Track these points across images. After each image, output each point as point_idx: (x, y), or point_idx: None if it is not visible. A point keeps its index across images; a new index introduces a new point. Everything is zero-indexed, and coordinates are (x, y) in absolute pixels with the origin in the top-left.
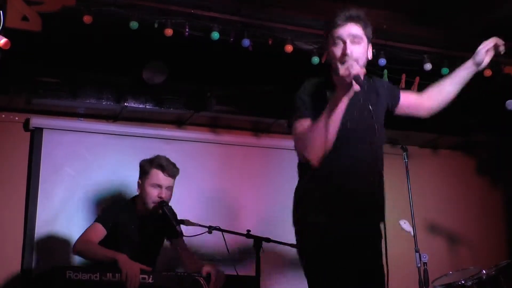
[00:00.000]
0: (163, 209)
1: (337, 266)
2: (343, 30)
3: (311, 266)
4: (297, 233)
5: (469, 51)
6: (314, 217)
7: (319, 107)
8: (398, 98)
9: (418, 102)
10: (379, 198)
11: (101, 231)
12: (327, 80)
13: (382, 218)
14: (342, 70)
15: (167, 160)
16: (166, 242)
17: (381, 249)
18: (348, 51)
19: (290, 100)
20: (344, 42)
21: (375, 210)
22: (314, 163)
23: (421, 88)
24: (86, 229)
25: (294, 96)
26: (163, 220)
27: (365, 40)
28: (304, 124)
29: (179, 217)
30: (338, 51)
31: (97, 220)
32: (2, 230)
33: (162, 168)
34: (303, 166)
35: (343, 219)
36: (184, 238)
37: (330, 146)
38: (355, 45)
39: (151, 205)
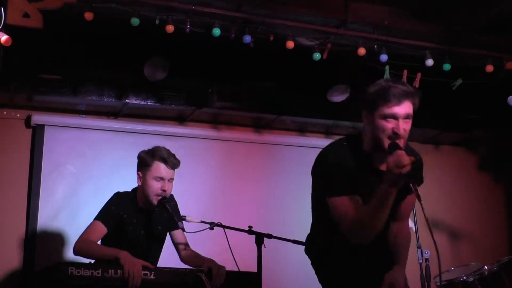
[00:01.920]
0: (165, 206)
1: None
2: (399, 108)
3: None
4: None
5: (471, 47)
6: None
7: (350, 180)
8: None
9: (397, 214)
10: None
11: (101, 229)
12: (351, 145)
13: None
14: (391, 166)
15: (168, 152)
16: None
17: None
18: (402, 131)
19: (316, 168)
20: (397, 120)
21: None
22: (356, 243)
23: (422, 84)
24: (86, 228)
25: (323, 163)
26: (165, 215)
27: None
28: (343, 203)
29: (180, 213)
30: (387, 126)
31: (97, 218)
32: (4, 227)
33: (165, 161)
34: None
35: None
36: (186, 234)
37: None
38: (405, 123)
39: (153, 198)
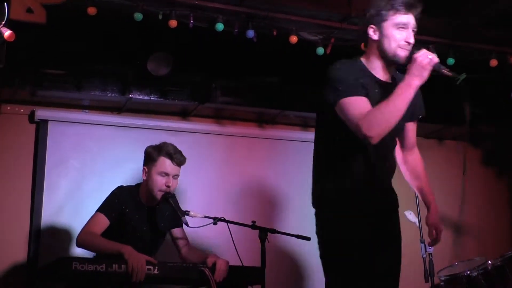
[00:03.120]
0: (168, 200)
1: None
2: (408, 18)
3: (334, 241)
4: (319, 206)
5: (475, 41)
6: (336, 183)
7: (362, 86)
8: (413, 119)
9: (410, 142)
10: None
11: (104, 222)
12: (359, 62)
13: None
14: (422, 57)
15: (175, 148)
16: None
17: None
18: (412, 40)
19: (327, 80)
20: (407, 29)
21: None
22: (374, 141)
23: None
24: (88, 220)
25: (331, 73)
26: (168, 211)
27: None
28: (362, 102)
29: (184, 208)
30: (401, 36)
31: (100, 210)
32: (9, 222)
33: (171, 157)
34: (329, 159)
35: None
36: (189, 229)
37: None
38: (413, 34)
39: (157, 193)
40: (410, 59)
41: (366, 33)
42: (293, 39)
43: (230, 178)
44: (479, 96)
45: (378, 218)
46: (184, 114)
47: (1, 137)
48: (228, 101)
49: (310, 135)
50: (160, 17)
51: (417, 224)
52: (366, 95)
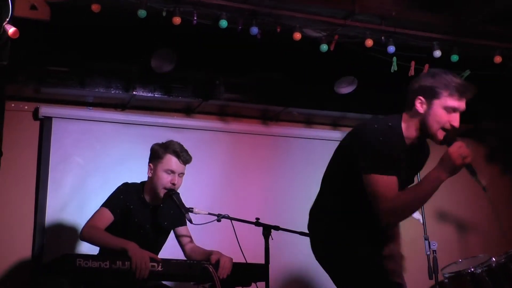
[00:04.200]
0: (172, 198)
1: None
2: (460, 104)
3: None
4: (328, 244)
5: (479, 38)
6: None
7: (395, 161)
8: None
9: None
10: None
11: (108, 217)
12: (395, 128)
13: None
14: (456, 155)
15: (181, 146)
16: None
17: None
18: (457, 124)
19: (364, 143)
20: (456, 113)
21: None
22: (388, 225)
23: None
24: (93, 214)
25: (370, 138)
26: (172, 209)
27: None
28: (390, 184)
29: (187, 205)
30: (446, 118)
31: (105, 205)
32: (13, 218)
33: (177, 155)
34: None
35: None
36: (193, 226)
37: None
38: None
39: (161, 190)
40: (446, 143)
41: (413, 101)
42: (297, 36)
43: (233, 175)
44: (483, 93)
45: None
46: (188, 111)
47: (6, 134)
48: (232, 98)
49: (314, 132)
50: (164, 14)
51: (421, 221)
52: (397, 173)
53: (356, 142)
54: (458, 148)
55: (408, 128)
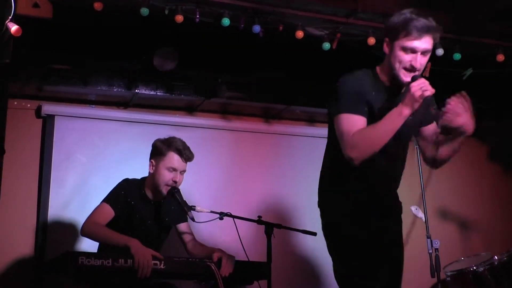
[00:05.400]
0: (174, 195)
1: (363, 232)
2: (419, 42)
3: (338, 237)
4: (324, 208)
5: (481, 36)
6: (341, 189)
7: (364, 103)
8: (429, 122)
9: (430, 140)
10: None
11: (109, 212)
12: (372, 73)
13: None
14: (415, 88)
15: (184, 144)
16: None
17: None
18: (418, 64)
19: (332, 89)
20: (415, 53)
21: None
22: (356, 164)
23: (432, 74)
24: (94, 210)
25: (337, 86)
26: (174, 205)
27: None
28: (354, 121)
29: (189, 203)
30: (406, 59)
31: (105, 200)
32: (16, 216)
33: (180, 152)
34: (336, 156)
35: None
36: (195, 224)
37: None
38: (423, 57)
39: (163, 187)
40: (408, 83)
41: (382, 44)
42: (299, 34)
43: (236, 173)
44: (485, 91)
45: (379, 224)
46: (190, 109)
47: (8, 132)
48: (234, 96)
49: (316, 130)
50: (166, 12)
51: (423, 219)
52: (367, 113)
53: (331, 95)
54: (419, 83)
55: (382, 70)
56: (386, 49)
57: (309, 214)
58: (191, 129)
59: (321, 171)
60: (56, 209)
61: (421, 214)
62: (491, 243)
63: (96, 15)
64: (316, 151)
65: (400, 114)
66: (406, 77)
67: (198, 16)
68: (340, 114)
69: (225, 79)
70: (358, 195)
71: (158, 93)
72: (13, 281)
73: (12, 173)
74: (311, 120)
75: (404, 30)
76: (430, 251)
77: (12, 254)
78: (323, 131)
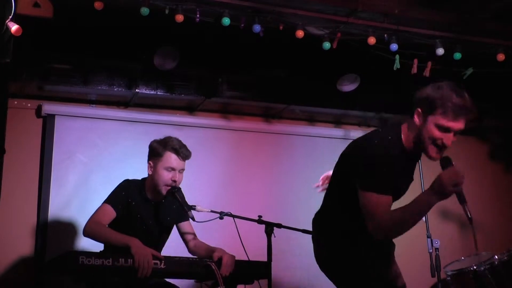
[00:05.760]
0: (175, 195)
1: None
2: (455, 124)
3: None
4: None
5: (482, 35)
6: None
7: (392, 179)
8: None
9: None
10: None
11: (110, 213)
12: (398, 143)
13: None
14: (447, 183)
15: (180, 142)
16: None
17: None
18: (450, 143)
19: (362, 159)
20: (449, 133)
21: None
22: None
23: (433, 73)
24: (95, 211)
25: (367, 153)
26: (174, 207)
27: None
28: (385, 203)
29: (190, 203)
30: (438, 136)
31: (107, 201)
32: (16, 216)
33: (176, 152)
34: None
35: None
36: (195, 223)
37: None
38: (454, 136)
39: (162, 188)
40: (440, 164)
41: (413, 112)
42: (300, 33)
43: (236, 173)
44: (486, 90)
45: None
46: (190, 109)
47: (9, 132)
48: (235, 96)
49: (316, 130)
50: (167, 11)
51: (424, 219)
52: (392, 191)
53: (356, 158)
54: (451, 174)
55: (407, 138)
56: (417, 119)
57: (309, 214)
58: (192, 128)
59: (326, 221)
60: (57, 208)
61: None
62: (492, 242)
63: (97, 14)
64: (317, 151)
65: (428, 203)
66: (433, 153)
67: (198, 15)
68: (370, 192)
69: (226, 79)
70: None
71: (158, 93)
72: (14, 280)
73: (13, 172)
74: (311, 120)
75: (441, 108)
76: (431, 250)
77: (13, 253)
78: (324, 130)
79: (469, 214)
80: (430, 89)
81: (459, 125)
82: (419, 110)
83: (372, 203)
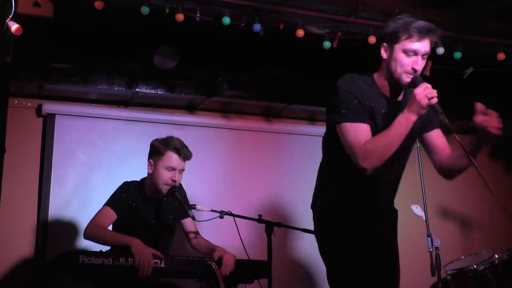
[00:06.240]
0: (175, 194)
1: (357, 240)
2: (420, 45)
3: (331, 241)
4: (319, 210)
5: (482, 35)
6: (337, 194)
7: (366, 110)
8: (433, 127)
9: (440, 148)
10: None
11: (111, 215)
12: (370, 79)
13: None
14: (420, 96)
15: (182, 142)
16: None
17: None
18: (420, 67)
19: (332, 94)
20: (416, 56)
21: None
22: (368, 172)
23: (433, 72)
24: (96, 213)
25: (337, 91)
26: (175, 205)
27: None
28: (361, 130)
29: (190, 202)
30: (407, 61)
31: (107, 204)
32: (16, 215)
33: (178, 152)
34: (333, 171)
35: (363, 202)
36: (195, 223)
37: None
38: (422, 60)
39: (162, 187)
40: (412, 86)
41: (380, 50)
42: (300, 33)
43: (236, 172)
44: (486, 89)
45: (374, 231)
46: (191, 108)
47: (9, 131)
48: (235, 95)
49: (317, 129)
50: (167, 10)
51: (424, 218)
52: (370, 119)
53: (328, 100)
54: (424, 89)
55: (380, 77)
56: (384, 54)
57: (309, 213)
58: (192, 128)
59: (321, 174)
60: (57, 208)
61: (421, 213)
62: (492, 241)
63: (97, 14)
64: (317, 150)
65: (407, 121)
66: (408, 78)
67: (198, 14)
68: (344, 123)
69: (226, 78)
70: (357, 199)
71: (158, 92)
72: (14, 280)
73: (13, 172)
74: (311, 119)
75: (405, 32)
76: (431, 249)
77: (13, 253)
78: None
79: (447, 123)
80: (391, 23)
81: (425, 47)
82: (385, 44)
83: (349, 132)
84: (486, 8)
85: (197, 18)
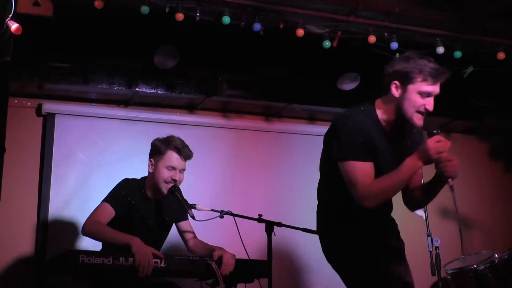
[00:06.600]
0: (175, 194)
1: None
2: (434, 88)
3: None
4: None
5: (482, 34)
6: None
7: (369, 148)
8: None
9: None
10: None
11: (109, 211)
12: (371, 113)
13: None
14: (433, 151)
15: (182, 142)
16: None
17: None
18: (431, 108)
19: (334, 133)
20: (430, 98)
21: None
22: (367, 208)
23: None
24: (94, 209)
25: (338, 127)
26: (174, 203)
27: None
28: (365, 169)
29: (190, 202)
30: (421, 103)
31: (106, 200)
32: (16, 215)
33: (179, 151)
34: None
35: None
36: (195, 222)
37: None
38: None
39: (162, 186)
40: (425, 129)
41: (388, 86)
42: (300, 32)
43: (236, 172)
44: (486, 89)
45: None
46: (190, 108)
47: (9, 131)
48: (235, 94)
49: (316, 129)
50: (167, 10)
51: (424, 217)
52: (372, 157)
53: (329, 134)
54: (436, 143)
55: (385, 112)
56: (396, 92)
57: (309, 213)
58: (192, 127)
59: (321, 209)
60: (57, 207)
61: (421, 213)
62: (492, 241)
63: (97, 13)
64: (317, 149)
65: (414, 167)
66: (418, 120)
67: (198, 14)
68: (348, 162)
69: (226, 77)
70: (363, 228)
71: (158, 91)
72: (14, 279)
73: (13, 171)
74: (311, 118)
75: (420, 75)
76: (431, 249)
77: (13, 252)
78: (324, 129)
79: (450, 183)
80: (402, 62)
81: (437, 88)
82: (396, 82)
83: (351, 171)
84: (486, 8)
85: (197, 18)
